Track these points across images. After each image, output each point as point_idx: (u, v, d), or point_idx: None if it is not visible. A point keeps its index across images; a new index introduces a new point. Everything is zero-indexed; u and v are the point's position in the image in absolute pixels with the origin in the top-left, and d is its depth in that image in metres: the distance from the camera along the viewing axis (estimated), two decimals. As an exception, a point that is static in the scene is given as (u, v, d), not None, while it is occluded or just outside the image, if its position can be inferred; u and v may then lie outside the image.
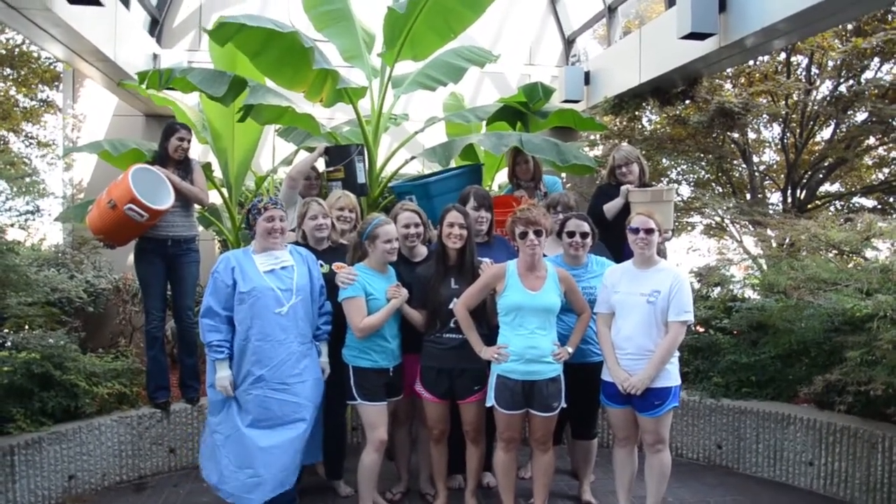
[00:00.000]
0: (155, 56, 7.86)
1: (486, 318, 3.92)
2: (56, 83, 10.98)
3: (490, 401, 3.74)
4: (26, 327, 5.11)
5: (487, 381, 3.80)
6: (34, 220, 4.88)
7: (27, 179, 4.96)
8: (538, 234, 3.67)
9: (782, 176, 8.10)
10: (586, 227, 4.01)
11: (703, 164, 8.16)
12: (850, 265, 5.26)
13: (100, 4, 5.54)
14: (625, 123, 8.25)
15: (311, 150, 5.28)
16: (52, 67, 10.81)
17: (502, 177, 7.21)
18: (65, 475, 4.36)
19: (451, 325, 3.86)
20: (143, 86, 5.04)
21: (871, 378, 4.12)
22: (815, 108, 7.43)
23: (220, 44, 4.81)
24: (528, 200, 4.20)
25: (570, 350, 3.79)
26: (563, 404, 3.76)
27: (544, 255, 3.91)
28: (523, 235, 3.69)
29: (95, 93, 8.10)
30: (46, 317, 5.23)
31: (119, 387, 4.76)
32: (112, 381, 4.77)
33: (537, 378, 3.65)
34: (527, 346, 3.64)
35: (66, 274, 5.99)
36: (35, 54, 10.65)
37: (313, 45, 4.73)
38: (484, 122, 6.08)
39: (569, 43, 9.54)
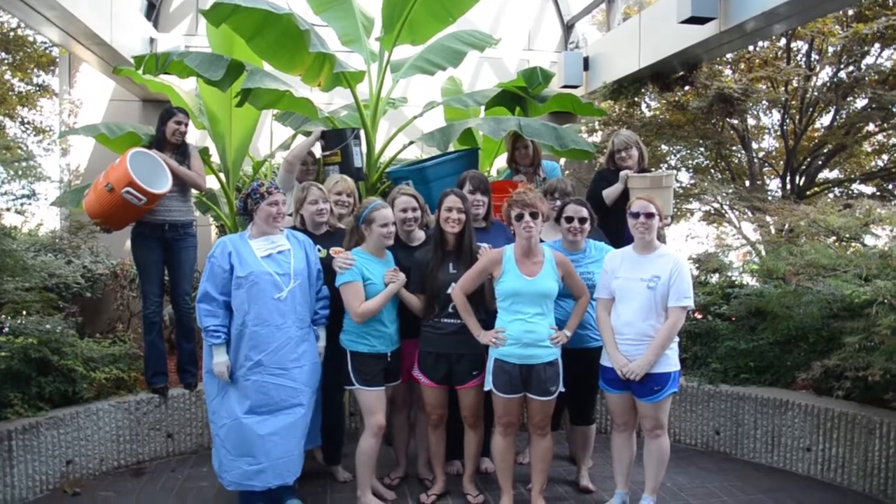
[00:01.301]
0: (152, 40, 7.79)
1: (484, 303, 3.91)
2: (52, 67, 10.89)
3: (488, 385, 3.74)
4: (23, 313, 5.09)
5: (486, 366, 3.79)
6: (30, 204, 4.85)
7: (23, 164, 4.92)
8: (534, 216, 3.65)
9: (781, 162, 8.09)
10: (585, 213, 3.99)
11: (701, 150, 8.15)
12: (849, 251, 5.26)
13: (95, -14, 5.50)
14: (624, 109, 8.22)
15: (308, 134, 5.25)
16: (47, 52, 10.72)
17: (501, 162, 7.20)
18: (62, 460, 4.36)
19: (450, 309, 3.86)
20: (140, 70, 4.99)
21: (869, 364, 4.12)
22: (815, 94, 7.41)
23: (214, 24, 4.77)
24: (527, 185, 4.17)
25: (568, 334, 3.78)
26: (562, 389, 3.76)
27: (542, 241, 3.90)
28: (519, 217, 3.67)
29: (92, 77, 8.04)
30: (43, 302, 5.21)
31: (117, 372, 4.75)
32: (110, 366, 4.76)
33: (535, 362, 3.64)
34: (524, 331, 3.63)
35: (64, 259, 5.96)
36: (30, 38, 10.56)
37: (309, 28, 4.69)
38: (482, 107, 6.05)
39: (568, 28, 9.47)
